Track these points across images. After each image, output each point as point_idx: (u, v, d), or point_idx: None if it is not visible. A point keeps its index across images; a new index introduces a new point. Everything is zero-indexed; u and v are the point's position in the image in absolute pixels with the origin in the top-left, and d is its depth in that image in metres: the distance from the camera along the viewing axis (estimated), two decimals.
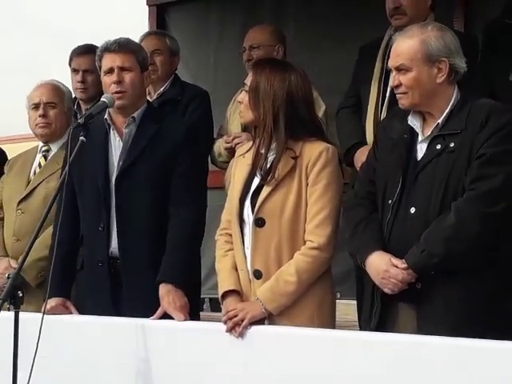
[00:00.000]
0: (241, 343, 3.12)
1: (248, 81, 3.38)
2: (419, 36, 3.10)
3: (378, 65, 3.99)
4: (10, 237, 4.16)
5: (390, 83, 3.18)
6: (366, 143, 3.93)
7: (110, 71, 3.57)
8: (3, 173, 4.41)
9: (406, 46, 3.10)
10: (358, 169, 3.83)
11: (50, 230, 3.73)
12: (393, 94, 3.79)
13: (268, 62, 3.46)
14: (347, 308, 4.23)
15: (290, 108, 3.28)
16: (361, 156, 3.85)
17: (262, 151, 3.32)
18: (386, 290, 3.04)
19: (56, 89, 4.28)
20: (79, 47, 4.73)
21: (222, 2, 5.94)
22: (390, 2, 3.95)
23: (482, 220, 2.93)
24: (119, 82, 3.55)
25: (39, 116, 4.21)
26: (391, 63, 3.15)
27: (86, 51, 4.65)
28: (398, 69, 3.11)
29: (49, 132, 4.23)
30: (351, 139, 3.99)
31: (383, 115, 3.88)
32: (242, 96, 3.41)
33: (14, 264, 4.04)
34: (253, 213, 3.28)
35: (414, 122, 3.16)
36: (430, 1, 3.95)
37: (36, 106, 4.23)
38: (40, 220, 3.10)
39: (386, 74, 3.92)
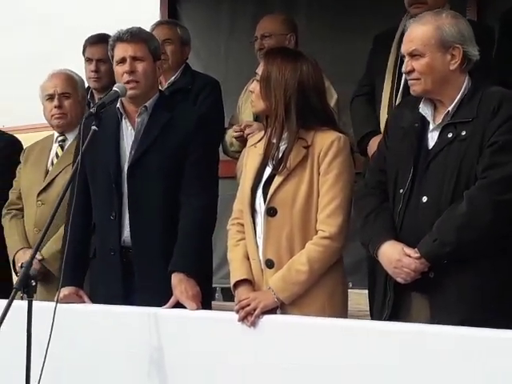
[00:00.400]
0: (253, 332, 3.12)
1: (259, 70, 3.37)
2: (433, 22, 3.09)
3: (392, 54, 3.98)
4: (32, 228, 4.18)
5: (403, 70, 3.16)
6: (379, 132, 3.92)
7: (123, 61, 3.57)
8: (19, 162, 4.41)
9: (419, 31, 3.10)
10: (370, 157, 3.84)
11: None
12: (407, 83, 3.80)
13: (279, 52, 3.45)
14: (359, 297, 4.24)
15: (301, 97, 3.27)
16: (374, 145, 3.84)
17: (274, 141, 3.32)
18: (399, 280, 3.04)
19: (69, 78, 4.28)
20: (93, 36, 4.72)
21: None
22: None
23: (494, 208, 2.93)
24: (131, 72, 3.55)
25: (54, 107, 4.22)
26: (404, 49, 3.14)
27: (99, 40, 4.65)
28: (412, 54, 3.10)
29: (65, 122, 4.24)
30: (365, 128, 3.99)
31: (398, 103, 3.86)
32: (254, 85, 3.41)
33: (38, 255, 4.05)
34: (265, 202, 3.28)
35: (425, 110, 3.16)
36: None
37: (50, 97, 4.23)
38: (52, 210, 3.10)
39: (400, 63, 3.90)
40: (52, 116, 4.24)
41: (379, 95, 3.99)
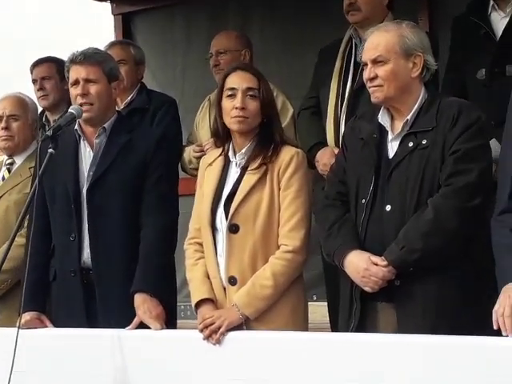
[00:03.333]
0: (218, 350, 3.11)
1: None
2: (396, 30, 3.14)
3: (337, 64, 3.99)
4: None
5: (364, 75, 3.16)
6: (326, 143, 3.94)
7: (76, 83, 3.56)
8: None
9: (383, 38, 3.13)
10: (319, 170, 3.84)
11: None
12: (352, 93, 3.82)
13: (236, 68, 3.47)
14: (324, 310, 4.24)
15: None
16: (322, 156, 3.86)
17: (233, 159, 3.36)
18: (367, 289, 3.04)
19: (19, 101, 4.27)
20: (37, 59, 4.77)
21: (186, 11, 5.94)
22: None
23: (459, 214, 2.96)
24: (84, 95, 3.53)
25: (1, 129, 4.20)
26: (366, 56, 3.16)
27: (41, 61, 4.73)
28: (375, 61, 3.13)
29: (12, 145, 4.22)
30: (311, 140, 3.99)
31: (343, 114, 3.89)
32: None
33: None
34: (227, 219, 3.28)
35: (383, 120, 3.18)
36: (386, 0, 3.98)
37: None
38: (12, 233, 3.08)
39: (345, 72, 3.94)
40: (0, 137, 4.21)
41: (325, 107, 4.00)
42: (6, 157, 4.31)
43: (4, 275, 3.85)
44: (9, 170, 4.26)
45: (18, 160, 4.25)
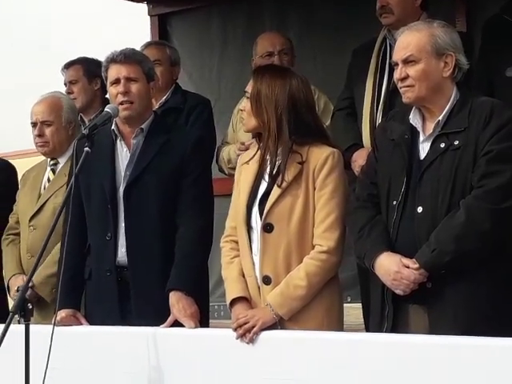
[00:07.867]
0: (252, 349, 3.12)
1: (249, 88, 3.38)
2: (427, 30, 3.12)
3: (373, 64, 3.97)
4: (25, 253, 4.18)
5: (395, 75, 3.14)
6: (362, 145, 3.92)
7: (117, 82, 3.58)
8: (15, 185, 4.45)
9: (415, 38, 3.11)
10: (354, 171, 3.83)
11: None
12: (388, 94, 3.80)
13: (267, 68, 3.48)
14: (358, 312, 4.23)
15: (292, 112, 3.28)
16: (358, 158, 3.84)
17: (268, 157, 3.32)
18: (398, 292, 3.03)
19: (52, 105, 4.26)
20: (65, 63, 4.84)
21: (222, 11, 5.95)
22: (378, 1, 3.97)
23: (492, 216, 2.93)
24: (125, 93, 3.55)
25: (36, 136, 4.24)
26: (397, 56, 3.14)
27: (69, 64, 4.81)
28: (406, 61, 3.11)
29: (47, 150, 4.26)
30: (347, 141, 3.97)
31: (379, 115, 3.87)
32: (244, 104, 3.41)
33: None
34: (261, 218, 3.27)
35: (415, 120, 3.16)
36: (419, 0, 3.95)
37: (34, 125, 4.26)
38: (47, 234, 3.10)
39: (380, 73, 3.92)
40: (36, 144, 4.27)
41: (360, 106, 3.98)
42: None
43: (55, 278, 3.85)
44: (53, 171, 4.29)
45: (62, 160, 4.26)
